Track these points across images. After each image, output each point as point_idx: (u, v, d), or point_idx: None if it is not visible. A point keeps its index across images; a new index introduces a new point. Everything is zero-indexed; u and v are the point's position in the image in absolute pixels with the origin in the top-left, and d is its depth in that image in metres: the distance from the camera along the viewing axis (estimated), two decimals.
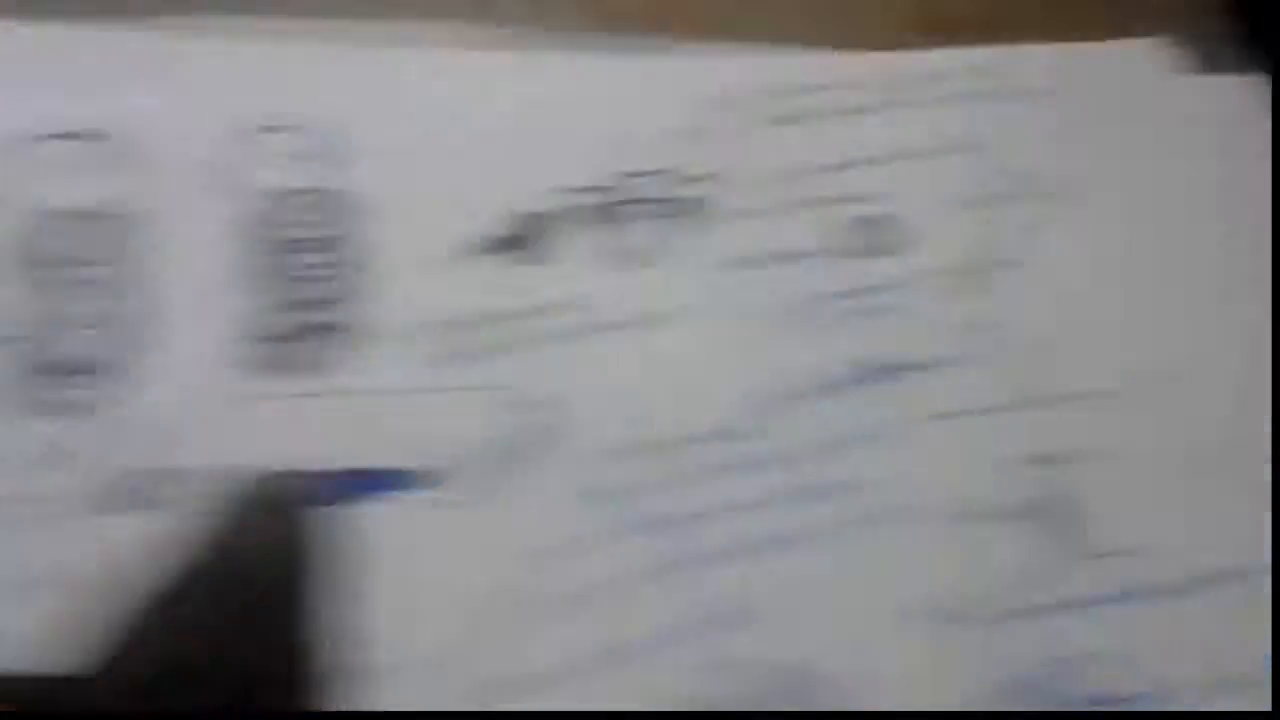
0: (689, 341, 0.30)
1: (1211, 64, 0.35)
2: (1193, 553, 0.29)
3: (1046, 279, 0.31)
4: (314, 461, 0.26)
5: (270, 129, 0.31)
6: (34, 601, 0.24)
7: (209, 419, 0.27)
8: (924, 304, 0.31)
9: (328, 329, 0.29)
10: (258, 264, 0.29)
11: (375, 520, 0.26)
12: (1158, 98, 0.34)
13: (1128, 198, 0.33)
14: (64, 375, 0.28)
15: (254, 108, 0.31)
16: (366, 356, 0.29)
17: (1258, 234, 0.32)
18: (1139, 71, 0.35)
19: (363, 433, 0.28)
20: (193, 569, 0.15)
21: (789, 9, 0.35)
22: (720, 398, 0.29)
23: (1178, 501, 0.29)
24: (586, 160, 0.32)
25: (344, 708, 0.16)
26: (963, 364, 0.30)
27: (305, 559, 0.17)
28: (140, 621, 0.14)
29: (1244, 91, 0.34)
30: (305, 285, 0.29)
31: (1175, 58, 0.35)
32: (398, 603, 0.25)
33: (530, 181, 0.31)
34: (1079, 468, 0.29)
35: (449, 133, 0.31)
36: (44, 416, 0.27)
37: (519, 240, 0.31)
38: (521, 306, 0.30)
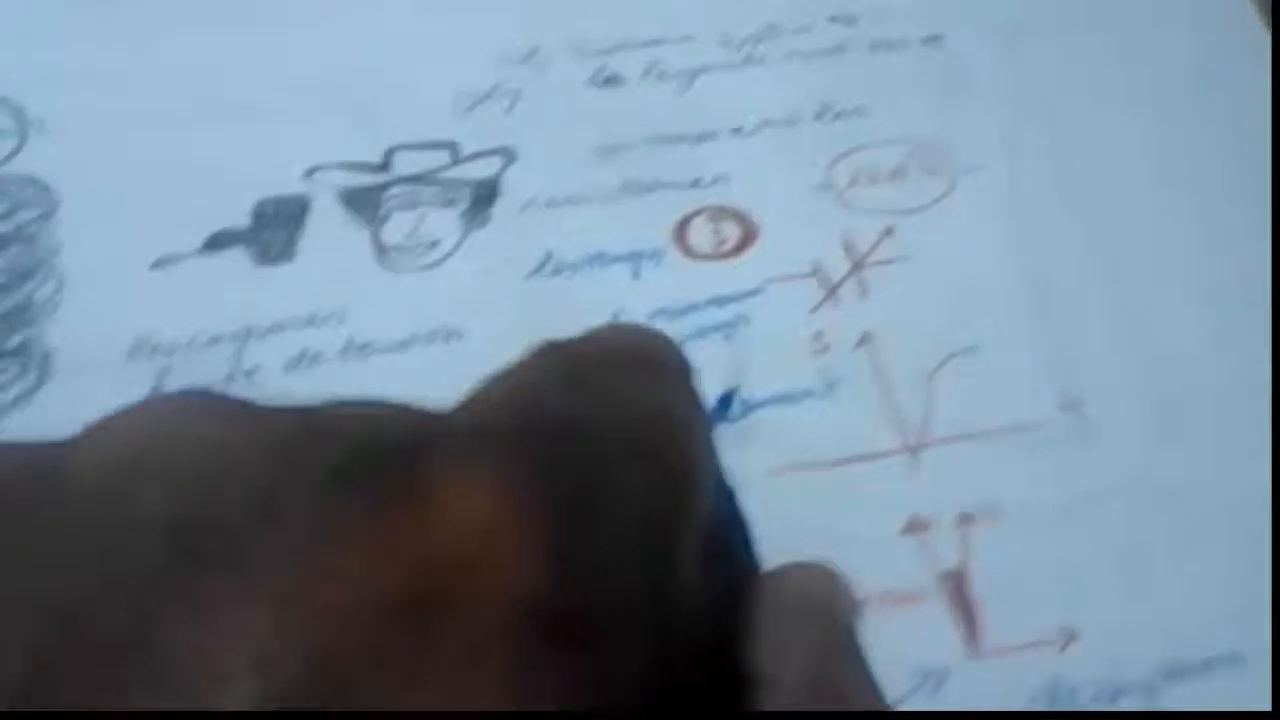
0: (474, 370, 0.23)
1: None
2: None
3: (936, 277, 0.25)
4: None
5: None
6: None
7: None
8: (781, 320, 0.24)
9: (8, 355, 0.23)
10: None
11: None
12: None
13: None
14: None
15: None
16: (57, 391, 0.22)
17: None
18: None
19: None
20: None
21: None
22: None
23: None
24: (349, 129, 0.25)
25: None
26: (832, 396, 0.24)
27: None
28: None
29: None
30: None
31: None
32: None
33: (275, 158, 0.24)
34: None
35: (172, 96, 0.25)
36: None
37: (259, 235, 0.24)
38: (260, 322, 0.23)
